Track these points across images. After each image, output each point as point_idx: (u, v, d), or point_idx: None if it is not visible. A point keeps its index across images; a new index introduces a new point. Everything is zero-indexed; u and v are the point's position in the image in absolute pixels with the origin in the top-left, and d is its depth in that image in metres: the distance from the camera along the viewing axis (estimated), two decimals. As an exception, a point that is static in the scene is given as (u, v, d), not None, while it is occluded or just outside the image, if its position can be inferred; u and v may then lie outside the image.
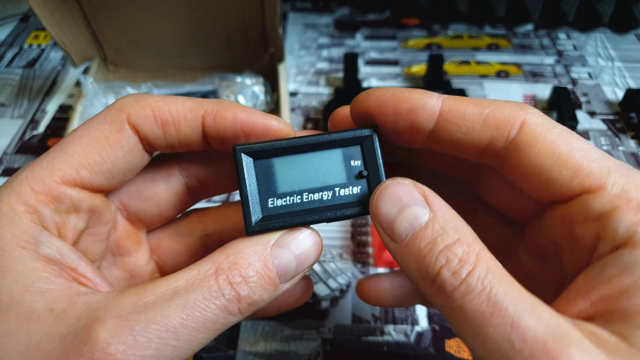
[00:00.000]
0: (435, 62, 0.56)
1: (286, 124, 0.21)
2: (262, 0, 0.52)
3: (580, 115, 0.56)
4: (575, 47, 0.67)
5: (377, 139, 0.21)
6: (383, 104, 0.19)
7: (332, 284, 0.41)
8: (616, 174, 0.16)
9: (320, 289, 0.40)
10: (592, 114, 0.57)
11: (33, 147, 0.53)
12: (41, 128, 0.56)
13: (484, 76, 0.62)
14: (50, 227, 0.19)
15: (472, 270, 0.16)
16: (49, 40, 0.69)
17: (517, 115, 0.18)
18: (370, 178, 0.20)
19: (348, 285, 0.41)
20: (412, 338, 0.37)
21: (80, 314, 0.17)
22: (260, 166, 0.20)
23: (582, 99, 0.59)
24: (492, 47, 0.66)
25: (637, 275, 0.15)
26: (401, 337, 0.37)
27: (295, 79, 0.62)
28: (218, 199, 0.47)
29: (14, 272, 0.17)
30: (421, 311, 0.39)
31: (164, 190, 0.24)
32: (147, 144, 0.21)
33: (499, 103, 0.18)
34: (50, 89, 0.61)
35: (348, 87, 0.56)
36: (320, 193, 0.20)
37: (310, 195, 0.20)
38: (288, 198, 0.20)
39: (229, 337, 0.37)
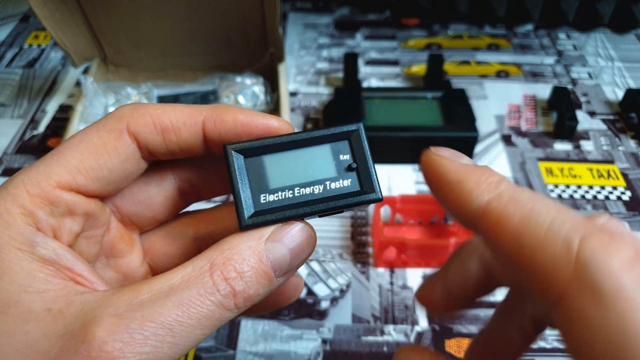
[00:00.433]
0: (435, 62, 0.56)
1: (286, 123, 0.22)
2: (262, 0, 0.52)
3: (580, 115, 0.56)
4: (575, 47, 0.67)
5: (363, 132, 0.21)
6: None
7: (332, 284, 0.41)
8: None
9: (320, 289, 0.40)
10: (592, 114, 0.57)
11: (33, 147, 0.53)
12: (41, 128, 0.56)
13: (484, 76, 0.62)
14: (46, 229, 0.19)
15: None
16: (49, 40, 0.69)
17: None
18: (360, 170, 0.21)
19: (348, 285, 0.41)
20: (412, 338, 0.37)
21: (77, 313, 0.17)
22: (251, 163, 0.21)
23: (582, 99, 0.59)
24: (492, 47, 0.66)
25: None
26: (401, 337, 0.37)
27: (295, 79, 0.62)
28: (216, 199, 0.47)
29: (10, 273, 0.18)
30: (421, 311, 0.39)
31: (156, 194, 0.24)
32: (147, 152, 0.21)
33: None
34: (50, 89, 0.61)
35: (348, 87, 0.56)
36: (312, 187, 0.21)
37: (301, 189, 0.21)
38: (280, 193, 0.20)
39: (229, 337, 0.37)
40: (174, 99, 0.53)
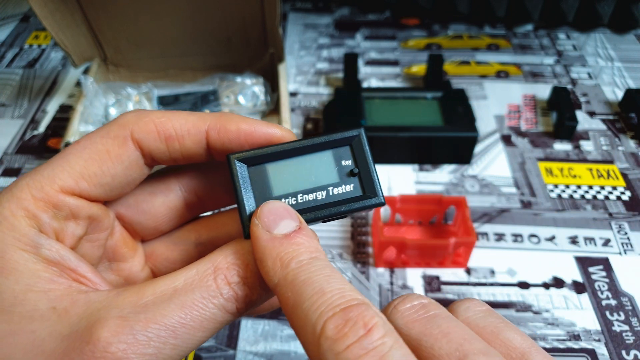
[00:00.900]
0: (435, 62, 0.56)
1: (288, 131, 0.22)
2: (262, 1, 0.52)
3: (580, 115, 0.56)
4: (575, 47, 0.67)
5: (365, 137, 0.21)
6: None
7: (332, 283, 0.41)
8: None
9: (320, 289, 0.40)
10: (591, 114, 0.57)
11: (33, 147, 0.53)
12: (41, 128, 0.56)
13: (483, 76, 0.62)
14: (49, 232, 0.19)
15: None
16: (49, 40, 0.69)
17: None
18: (362, 175, 0.21)
19: (348, 285, 0.41)
20: (412, 338, 0.37)
21: (82, 312, 0.18)
22: (254, 172, 0.21)
23: (582, 99, 0.59)
24: (492, 47, 0.66)
25: None
26: (401, 337, 0.37)
27: (295, 79, 0.62)
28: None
29: (15, 273, 0.18)
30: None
31: (161, 204, 0.24)
32: (150, 159, 0.22)
33: None
34: (50, 89, 0.61)
35: (348, 87, 0.56)
36: (314, 193, 0.21)
37: (304, 196, 0.21)
38: (283, 200, 0.21)
39: (229, 337, 0.37)
40: (174, 99, 0.53)
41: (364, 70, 0.63)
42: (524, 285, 0.41)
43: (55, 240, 0.19)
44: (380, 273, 0.41)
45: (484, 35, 0.69)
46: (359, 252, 0.43)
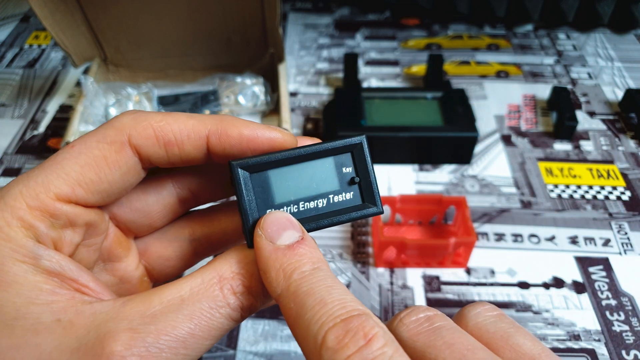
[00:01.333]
0: (435, 62, 0.56)
1: (290, 135, 0.22)
2: (262, 1, 0.52)
3: (580, 115, 0.56)
4: (575, 47, 0.67)
5: (366, 145, 0.22)
6: None
7: (332, 283, 0.41)
8: None
9: (320, 289, 0.40)
10: (591, 114, 0.57)
11: (33, 147, 0.53)
12: (41, 128, 0.56)
13: (483, 76, 0.62)
14: (46, 241, 0.19)
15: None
16: (49, 40, 0.69)
17: None
18: (362, 183, 0.21)
19: (348, 285, 0.41)
20: (412, 338, 0.37)
21: (89, 324, 0.17)
22: (256, 179, 0.21)
23: (582, 99, 0.59)
24: (492, 48, 0.66)
25: None
26: (401, 337, 0.37)
27: (295, 79, 0.62)
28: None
29: (16, 286, 0.17)
30: (421, 311, 0.39)
31: (155, 202, 0.24)
32: (148, 163, 0.21)
33: None
34: (50, 89, 0.61)
35: (348, 87, 0.56)
36: (316, 201, 0.21)
37: (305, 204, 0.21)
38: (285, 208, 0.21)
39: (229, 337, 0.37)
40: (174, 99, 0.53)
41: (364, 70, 0.63)
42: (524, 285, 0.41)
43: (54, 249, 0.19)
44: (380, 273, 0.42)
45: (484, 35, 0.69)
46: (359, 252, 0.43)
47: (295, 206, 0.21)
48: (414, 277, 0.41)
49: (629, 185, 0.49)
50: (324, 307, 0.16)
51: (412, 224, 0.45)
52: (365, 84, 0.61)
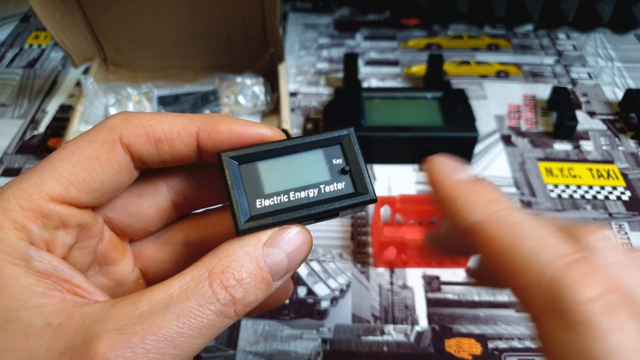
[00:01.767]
0: (435, 62, 0.56)
1: (279, 132, 0.22)
2: (262, 1, 0.52)
3: (580, 115, 0.56)
4: (575, 47, 0.67)
5: (355, 136, 0.22)
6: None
7: (332, 284, 0.41)
8: None
9: (320, 289, 0.40)
10: (591, 114, 0.57)
11: (33, 147, 0.53)
12: (41, 128, 0.56)
13: (483, 76, 0.62)
14: (39, 243, 0.19)
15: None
16: (50, 40, 0.69)
17: None
18: (353, 172, 0.21)
19: (348, 285, 0.41)
20: (412, 338, 0.37)
21: (77, 327, 0.17)
22: (245, 170, 0.21)
23: (582, 99, 0.59)
24: (492, 48, 0.66)
25: None
26: (401, 337, 0.37)
27: (295, 79, 0.62)
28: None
29: (7, 289, 0.17)
30: (421, 311, 0.39)
31: (149, 206, 0.24)
32: (140, 162, 0.21)
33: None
34: (50, 89, 0.61)
35: (348, 87, 0.56)
36: (306, 191, 0.21)
37: (296, 193, 0.21)
38: (275, 198, 0.21)
39: (229, 337, 0.37)
40: (174, 99, 0.53)
41: (364, 70, 0.63)
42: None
43: (46, 251, 0.19)
44: (380, 273, 0.41)
45: (484, 35, 0.69)
46: (359, 252, 0.43)
47: (286, 196, 0.21)
48: (414, 277, 0.41)
49: (629, 185, 0.49)
50: (547, 241, 0.17)
51: (412, 224, 0.45)
52: (365, 84, 0.61)
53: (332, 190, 0.21)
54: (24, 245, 0.18)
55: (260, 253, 0.19)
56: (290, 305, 0.39)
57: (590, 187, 0.48)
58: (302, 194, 0.21)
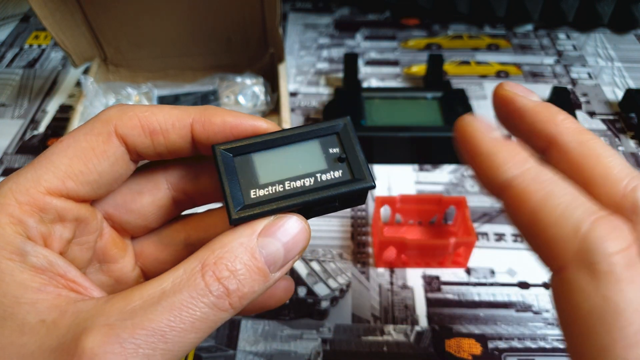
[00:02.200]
0: (435, 62, 0.56)
1: (274, 125, 0.22)
2: (262, 1, 0.52)
3: (580, 115, 0.56)
4: (575, 47, 0.67)
5: (351, 125, 0.21)
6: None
7: (332, 284, 0.41)
8: None
9: (320, 289, 0.40)
10: (591, 114, 0.57)
11: (33, 147, 0.53)
12: (41, 128, 0.56)
13: (483, 76, 0.62)
14: (36, 237, 0.19)
15: None
16: (50, 40, 0.69)
17: None
18: (350, 160, 0.21)
19: (348, 285, 0.41)
20: (412, 338, 0.37)
21: (70, 324, 0.17)
22: (240, 162, 0.21)
23: (582, 99, 0.59)
24: (492, 48, 0.66)
25: None
26: (401, 337, 0.37)
27: (295, 79, 0.62)
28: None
29: (2, 285, 0.17)
30: (421, 311, 0.39)
31: (150, 203, 0.23)
32: (135, 154, 0.21)
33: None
34: (50, 89, 0.61)
35: (348, 87, 0.56)
36: (302, 180, 0.20)
37: (292, 183, 0.20)
38: (270, 188, 0.20)
39: (229, 337, 0.37)
40: (174, 99, 0.53)
41: (364, 70, 0.63)
42: (524, 285, 0.41)
43: (43, 245, 0.19)
44: (380, 273, 0.42)
45: (484, 35, 0.69)
46: (359, 252, 0.43)
47: (281, 185, 0.20)
48: (414, 277, 0.41)
49: (629, 185, 0.49)
50: (578, 199, 0.17)
51: (412, 224, 0.45)
52: (365, 84, 0.61)
53: (328, 178, 0.21)
54: (20, 240, 0.18)
55: (255, 243, 0.19)
56: (290, 305, 0.39)
57: (590, 187, 0.48)
58: (298, 183, 0.20)
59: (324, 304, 0.39)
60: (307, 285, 0.41)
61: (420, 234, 0.45)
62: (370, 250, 0.43)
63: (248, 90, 0.53)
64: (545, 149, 0.21)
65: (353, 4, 0.75)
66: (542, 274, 0.41)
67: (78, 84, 0.61)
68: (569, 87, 0.60)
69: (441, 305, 0.39)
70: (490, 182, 0.19)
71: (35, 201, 0.19)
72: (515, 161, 0.19)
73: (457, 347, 0.37)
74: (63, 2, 0.50)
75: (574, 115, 0.52)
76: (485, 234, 0.44)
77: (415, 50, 0.66)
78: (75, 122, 0.49)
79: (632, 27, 0.69)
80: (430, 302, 0.40)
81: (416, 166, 0.51)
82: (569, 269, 0.17)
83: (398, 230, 0.45)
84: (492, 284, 0.41)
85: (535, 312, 0.39)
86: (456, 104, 0.51)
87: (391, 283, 0.41)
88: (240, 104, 0.53)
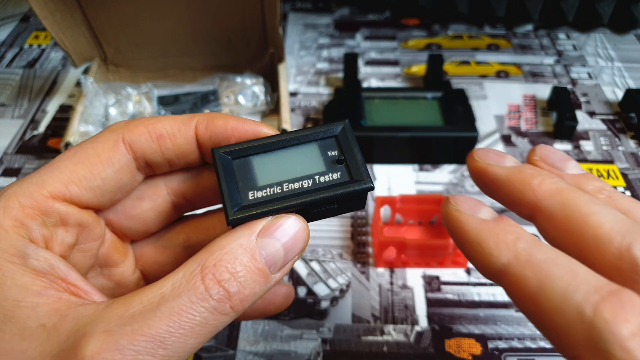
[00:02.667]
0: (435, 62, 0.56)
1: (275, 131, 0.22)
2: (262, 1, 0.52)
3: (580, 115, 0.56)
4: (575, 47, 0.67)
5: (350, 128, 0.21)
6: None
7: (332, 284, 0.41)
8: None
9: (320, 289, 0.40)
10: (591, 114, 0.57)
11: (33, 147, 0.53)
12: (41, 128, 0.56)
13: (483, 76, 0.62)
14: (38, 239, 0.19)
15: None
16: (49, 40, 0.69)
17: None
18: (348, 162, 0.21)
19: (348, 285, 0.41)
20: (412, 338, 0.37)
21: (70, 329, 0.17)
22: (238, 164, 0.21)
23: (582, 99, 0.59)
24: (492, 47, 0.66)
25: None
26: (401, 337, 0.37)
27: (295, 79, 0.62)
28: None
29: (3, 288, 0.17)
30: (421, 311, 0.39)
31: (150, 208, 0.24)
32: (144, 162, 0.21)
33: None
34: (50, 89, 0.61)
35: (348, 87, 0.56)
36: (300, 182, 0.21)
37: (290, 184, 0.20)
38: (268, 189, 0.20)
39: (229, 337, 0.37)
40: (174, 99, 0.53)
41: (364, 70, 0.63)
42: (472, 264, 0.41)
43: (45, 248, 0.19)
44: (380, 273, 0.41)
45: (484, 35, 0.69)
46: (359, 252, 0.43)
47: (279, 187, 0.20)
48: (414, 277, 0.41)
49: (629, 185, 0.49)
50: (578, 277, 0.16)
51: (412, 224, 0.45)
52: (365, 84, 0.61)
53: (327, 180, 0.21)
54: (22, 243, 0.18)
55: (255, 244, 0.19)
56: (290, 305, 0.39)
57: (590, 187, 0.48)
58: (296, 185, 0.20)
59: (324, 304, 0.39)
60: (307, 285, 0.41)
61: (420, 234, 0.45)
62: (370, 250, 0.43)
63: (248, 90, 0.53)
64: (531, 217, 0.20)
65: (353, 4, 0.75)
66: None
67: (78, 84, 0.61)
68: (569, 87, 0.60)
69: (441, 305, 0.39)
70: (484, 271, 0.18)
71: (38, 204, 0.19)
72: (506, 244, 0.18)
73: (457, 347, 0.37)
74: (63, 2, 0.50)
75: (574, 115, 0.52)
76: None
77: (415, 50, 0.66)
78: (75, 122, 0.49)
79: (632, 27, 0.69)
80: (430, 302, 0.40)
81: (416, 166, 0.51)
82: (584, 359, 0.15)
83: (398, 230, 0.45)
84: (492, 284, 0.41)
85: (535, 312, 0.39)
86: (456, 104, 0.51)
87: (391, 283, 0.41)
88: (240, 104, 0.53)
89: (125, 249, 0.24)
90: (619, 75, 0.62)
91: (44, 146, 0.54)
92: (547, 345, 0.37)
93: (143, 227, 0.24)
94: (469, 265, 0.42)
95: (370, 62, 0.64)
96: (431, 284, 0.41)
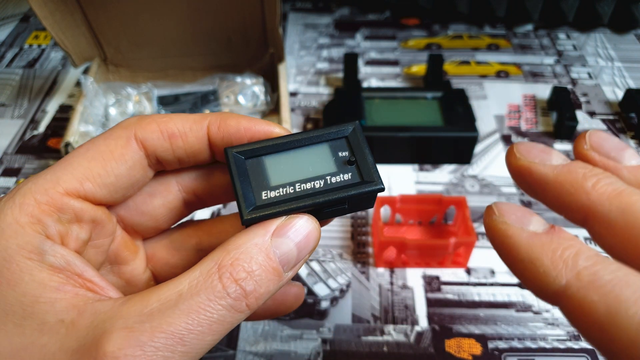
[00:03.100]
0: (435, 62, 0.56)
1: (287, 131, 0.22)
2: (262, 1, 0.52)
3: (580, 115, 0.56)
4: (575, 47, 0.67)
5: (360, 129, 0.22)
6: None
7: (332, 284, 0.41)
8: None
9: (320, 289, 0.40)
10: (591, 114, 0.57)
11: (33, 147, 0.53)
12: (41, 128, 0.56)
13: (483, 76, 0.62)
14: (54, 236, 0.19)
15: None
16: (49, 40, 0.69)
17: None
18: (359, 163, 0.21)
19: (348, 285, 0.41)
20: (412, 338, 0.37)
21: (89, 325, 0.17)
22: (251, 164, 0.21)
23: (582, 99, 0.59)
24: (492, 47, 0.66)
25: None
26: (401, 337, 0.37)
27: (295, 79, 0.62)
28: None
29: (22, 284, 0.17)
30: (421, 311, 0.39)
31: (161, 205, 0.24)
32: (155, 159, 0.22)
33: None
34: (50, 89, 0.61)
35: (348, 87, 0.56)
36: (312, 182, 0.21)
37: (302, 185, 0.21)
38: (281, 189, 0.21)
39: (229, 337, 0.37)
40: (174, 99, 0.53)
41: (364, 70, 0.63)
42: (524, 285, 0.41)
43: (61, 244, 0.19)
44: (380, 273, 0.41)
45: (484, 35, 0.69)
46: (359, 252, 0.43)
47: (292, 187, 0.21)
48: (414, 277, 0.41)
49: (629, 185, 0.49)
50: None
51: (412, 224, 0.45)
52: (365, 84, 0.61)
53: (338, 180, 0.21)
54: (39, 239, 0.18)
55: (269, 244, 0.19)
56: (290, 305, 0.39)
57: (590, 187, 0.48)
58: (308, 185, 0.21)
59: (324, 304, 0.39)
60: (307, 285, 0.41)
61: (420, 234, 0.45)
62: (370, 250, 0.43)
63: (248, 90, 0.53)
64: (584, 222, 0.17)
65: (353, 4, 0.75)
66: (542, 274, 0.41)
67: (78, 84, 0.61)
68: (569, 87, 0.60)
69: (441, 305, 0.39)
70: (540, 293, 0.16)
71: (54, 201, 0.19)
72: (565, 262, 0.15)
73: (457, 347, 0.37)
74: (63, 2, 0.50)
75: (574, 115, 0.52)
76: (485, 234, 0.44)
77: (415, 50, 0.66)
78: (75, 122, 0.49)
79: (632, 27, 0.69)
80: (430, 302, 0.40)
81: (416, 166, 0.51)
82: None
83: (398, 230, 0.45)
84: (492, 284, 0.41)
85: (536, 312, 0.39)
86: (456, 104, 0.51)
87: (391, 283, 0.41)
88: (240, 104, 0.53)
89: (136, 247, 0.24)
90: (619, 75, 0.62)
91: (43, 146, 0.54)
92: (547, 345, 0.37)
93: (154, 223, 0.24)
94: (469, 265, 0.42)
95: (370, 62, 0.64)
96: (431, 284, 0.41)
